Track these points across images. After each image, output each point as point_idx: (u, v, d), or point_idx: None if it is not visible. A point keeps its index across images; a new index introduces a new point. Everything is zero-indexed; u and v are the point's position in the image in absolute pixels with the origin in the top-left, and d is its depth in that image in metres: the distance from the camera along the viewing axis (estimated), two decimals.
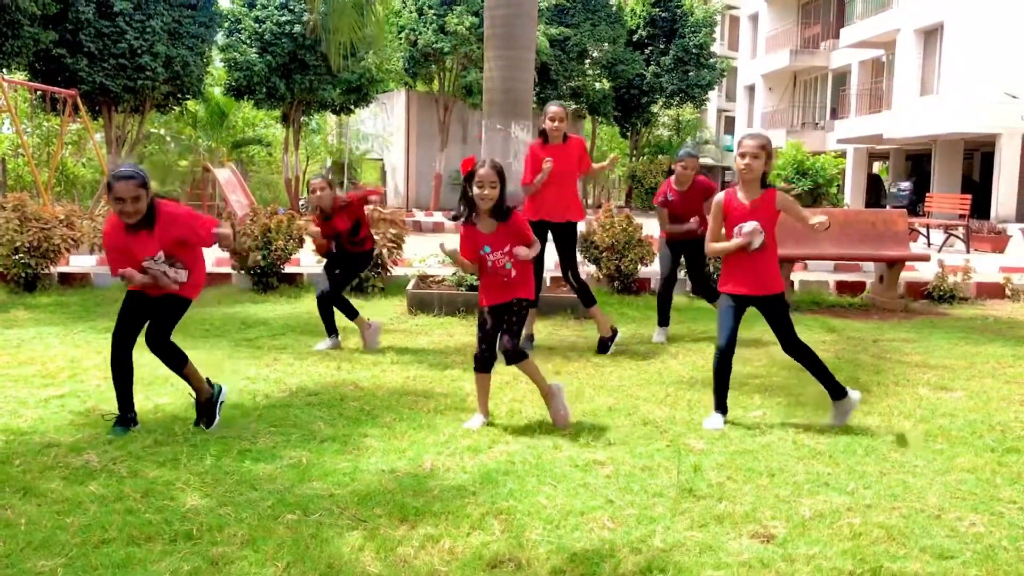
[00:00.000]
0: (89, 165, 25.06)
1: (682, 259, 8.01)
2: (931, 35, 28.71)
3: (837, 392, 5.09)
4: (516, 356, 4.90)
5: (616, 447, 4.56)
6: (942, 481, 4.16)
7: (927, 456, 4.53)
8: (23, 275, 9.70)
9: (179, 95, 22.71)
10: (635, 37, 34.74)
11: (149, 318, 4.65)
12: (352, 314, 7.11)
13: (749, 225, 4.81)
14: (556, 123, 7.02)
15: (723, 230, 5.01)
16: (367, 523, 3.49)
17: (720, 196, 4.96)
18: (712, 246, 5.04)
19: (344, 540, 3.32)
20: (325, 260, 7.33)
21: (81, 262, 11.47)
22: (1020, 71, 24.11)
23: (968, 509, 3.81)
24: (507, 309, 4.89)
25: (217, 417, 4.79)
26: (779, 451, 4.56)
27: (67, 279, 10.31)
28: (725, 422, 5.02)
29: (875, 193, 33.78)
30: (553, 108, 7.10)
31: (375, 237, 10.08)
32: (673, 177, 7.64)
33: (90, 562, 3.09)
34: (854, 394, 5.13)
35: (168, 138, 27.78)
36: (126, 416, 4.67)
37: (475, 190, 4.71)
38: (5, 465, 4.08)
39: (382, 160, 34.82)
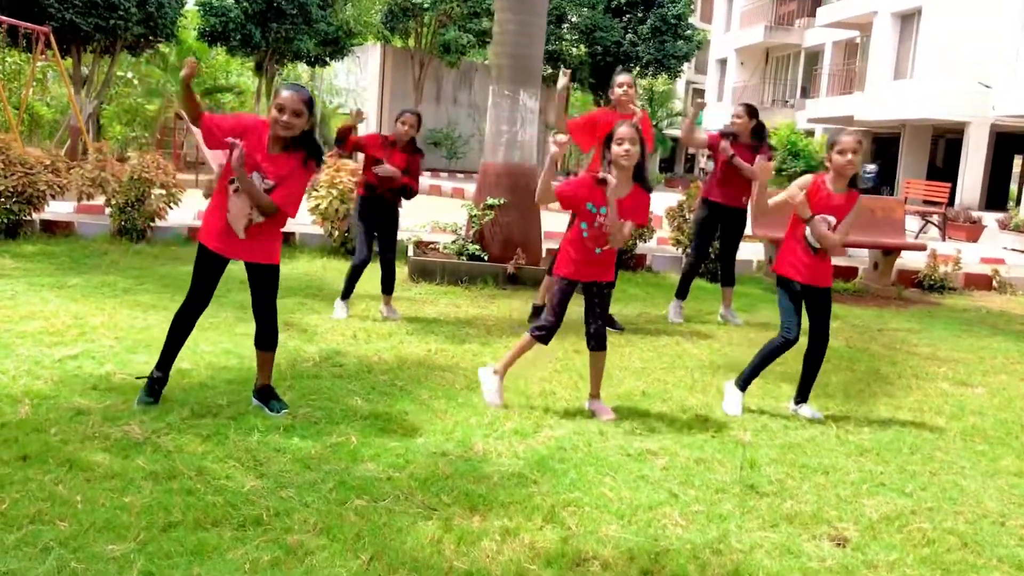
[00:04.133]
0: (54, 104, 24.28)
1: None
2: (908, 19, 28.83)
3: (806, 397, 5.13)
4: (602, 344, 4.81)
5: (662, 436, 4.50)
6: (994, 485, 4.16)
7: (971, 457, 4.54)
8: (5, 221, 9.33)
9: (151, 37, 22.00)
10: (613, 3, 34.38)
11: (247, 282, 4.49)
12: (391, 288, 6.98)
13: (832, 219, 4.79)
14: (624, 88, 6.88)
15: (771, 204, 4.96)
16: (438, 512, 3.39)
17: (810, 177, 4.91)
18: (774, 199, 4.95)
19: (420, 531, 3.21)
20: (362, 222, 6.98)
21: (62, 209, 11.08)
22: (995, 60, 24.29)
23: None
24: (588, 290, 4.79)
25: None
26: (826, 446, 4.53)
27: (50, 227, 9.95)
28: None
29: None
30: (622, 76, 6.98)
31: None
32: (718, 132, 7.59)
33: (162, 548, 2.94)
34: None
35: (135, 81, 27.00)
36: (161, 377, 4.48)
37: (615, 148, 4.60)
38: (42, 433, 3.89)
39: (356, 108, 34.20)
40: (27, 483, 3.37)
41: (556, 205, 4.99)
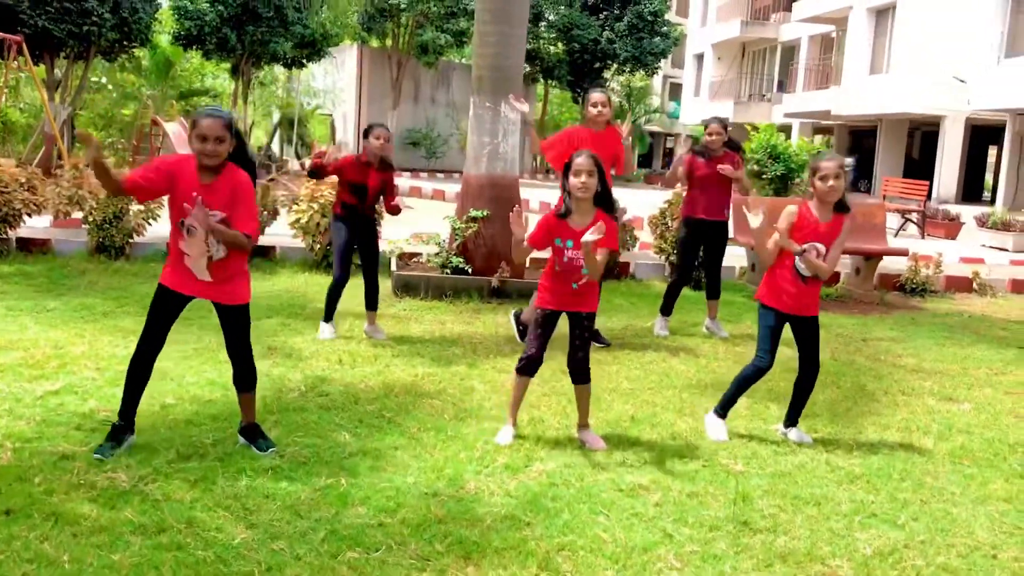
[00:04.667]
0: (28, 110, 23.97)
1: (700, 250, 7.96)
2: (883, 14, 28.97)
3: (795, 421, 5.14)
4: (585, 377, 4.76)
5: (654, 467, 4.48)
6: (984, 512, 4.17)
7: (960, 482, 4.55)
8: None
9: (126, 42, 21.76)
10: (590, 1, 34.40)
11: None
12: (374, 304, 6.94)
13: (821, 247, 4.75)
14: (599, 108, 6.89)
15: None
16: (431, 562, 3.35)
17: (795, 208, 4.85)
18: (771, 245, 4.85)
19: None
20: (341, 239, 6.93)
21: (38, 224, 10.94)
22: (969, 55, 24.45)
23: (1019, 547, 3.82)
24: (572, 320, 4.72)
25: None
26: (816, 474, 4.53)
27: (26, 244, 9.81)
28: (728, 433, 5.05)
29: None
30: (596, 94, 6.98)
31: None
32: (692, 153, 7.65)
33: None
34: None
35: (110, 86, 26.72)
36: (124, 425, 4.34)
37: (572, 179, 4.53)
38: (26, 483, 3.82)
39: (331, 116, 34.08)
40: (12, 541, 3.31)
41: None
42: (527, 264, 9.43)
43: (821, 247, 4.75)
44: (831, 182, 4.68)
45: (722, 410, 5.09)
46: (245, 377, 4.48)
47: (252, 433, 4.46)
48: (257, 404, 5.05)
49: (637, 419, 5.27)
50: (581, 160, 4.54)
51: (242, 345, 4.43)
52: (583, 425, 4.84)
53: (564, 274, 4.65)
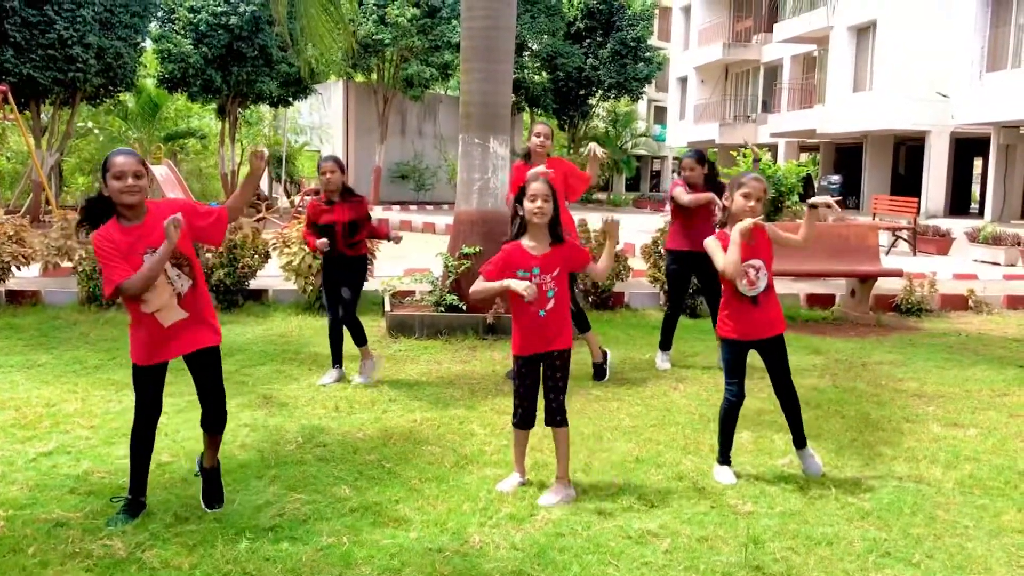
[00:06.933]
0: (14, 157, 23.92)
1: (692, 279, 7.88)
2: (864, 33, 29.21)
3: (802, 441, 5.05)
4: (563, 420, 4.57)
5: (661, 511, 4.40)
6: (999, 545, 4.09)
7: (973, 514, 4.47)
8: None
9: (111, 87, 21.78)
10: (573, 29, 34.60)
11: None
12: (362, 340, 6.84)
13: (758, 263, 4.72)
14: (541, 139, 7.03)
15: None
16: None
17: (713, 238, 4.78)
18: (730, 261, 4.69)
19: None
20: (324, 282, 6.94)
21: (28, 274, 10.85)
22: (950, 70, 24.63)
23: None
24: (547, 361, 4.55)
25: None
26: (826, 511, 4.45)
27: (15, 297, 9.73)
28: (737, 474, 4.93)
29: (805, 190, 34.29)
30: (539, 126, 7.17)
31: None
32: (681, 179, 7.57)
33: None
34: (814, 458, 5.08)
35: (96, 131, 26.68)
36: (137, 500, 4.22)
37: (528, 204, 4.44)
38: (19, 555, 3.72)
39: (319, 152, 34.07)
40: None
41: None
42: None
43: (757, 262, 4.72)
44: (752, 202, 4.65)
45: (723, 457, 4.99)
46: (219, 419, 4.35)
47: (212, 480, 4.36)
48: (255, 457, 5.01)
49: (641, 459, 5.19)
50: (537, 185, 4.46)
51: (219, 388, 4.30)
52: (560, 476, 4.58)
53: (530, 306, 4.46)
